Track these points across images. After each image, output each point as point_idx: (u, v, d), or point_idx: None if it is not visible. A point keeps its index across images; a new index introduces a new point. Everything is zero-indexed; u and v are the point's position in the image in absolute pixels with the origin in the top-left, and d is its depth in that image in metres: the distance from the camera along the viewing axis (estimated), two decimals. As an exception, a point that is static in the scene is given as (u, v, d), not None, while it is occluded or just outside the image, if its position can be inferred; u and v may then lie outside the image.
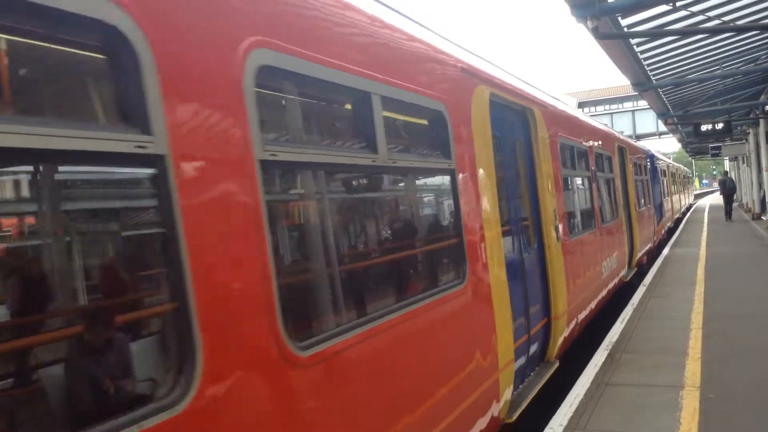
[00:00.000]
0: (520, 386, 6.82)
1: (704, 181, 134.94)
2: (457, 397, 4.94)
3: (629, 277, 14.49)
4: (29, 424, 2.55)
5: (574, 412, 6.64)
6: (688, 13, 12.38)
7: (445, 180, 5.38)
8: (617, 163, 14.50)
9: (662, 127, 43.14)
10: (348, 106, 4.41)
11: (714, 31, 13.96)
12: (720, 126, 23.15)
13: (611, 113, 55.81)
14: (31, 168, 2.62)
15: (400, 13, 5.14)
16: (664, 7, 11.73)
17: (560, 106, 10.17)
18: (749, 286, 12.78)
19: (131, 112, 2.54)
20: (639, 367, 8.04)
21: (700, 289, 12.96)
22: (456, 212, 5.31)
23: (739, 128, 32.75)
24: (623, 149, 15.79)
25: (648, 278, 15.15)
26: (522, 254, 7.22)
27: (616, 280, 12.80)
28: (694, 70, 19.08)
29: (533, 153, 7.93)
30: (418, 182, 5.66)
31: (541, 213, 7.85)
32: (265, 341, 2.99)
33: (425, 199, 5.86)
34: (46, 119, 2.42)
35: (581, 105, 57.74)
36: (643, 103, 40.69)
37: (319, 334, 3.51)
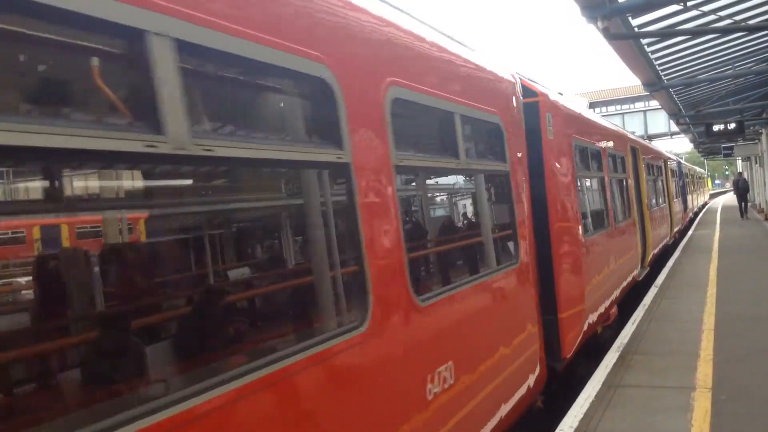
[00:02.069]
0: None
1: (717, 182, 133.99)
2: (630, 263, 12.68)
3: (671, 243, 22.25)
4: None
5: (584, 414, 6.62)
6: (699, 12, 12.32)
7: (626, 183, 13.32)
8: (663, 170, 22.26)
9: (674, 128, 42.91)
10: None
11: (725, 31, 13.89)
12: (732, 126, 22.99)
13: (623, 113, 55.52)
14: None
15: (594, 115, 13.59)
16: (674, 7, 11.68)
17: (645, 144, 20.19)
18: (762, 287, 12.70)
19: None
20: (650, 368, 8.01)
21: (712, 290, 12.90)
22: (626, 195, 13.28)
23: (751, 128, 32.48)
24: (666, 161, 23.88)
25: (660, 279, 15.10)
26: (637, 213, 14.34)
27: (665, 241, 20.45)
28: (705, 69, 18.98)
29: (638, 168, 15.35)
30: (621, 186, 13.10)
31: (641, 196, 15.31)
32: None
33: (618, 191, 12.68)
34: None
35: (592, 105, 57.46)
36: (654, 104, 40.41)
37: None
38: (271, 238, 6.22)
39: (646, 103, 53.67)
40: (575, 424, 6.35)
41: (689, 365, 7.90)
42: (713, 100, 24.47)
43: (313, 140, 3.61)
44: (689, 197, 39.55)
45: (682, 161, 40.24)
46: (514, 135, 6.58)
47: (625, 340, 9.44)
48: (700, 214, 42.56)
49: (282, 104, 3.83)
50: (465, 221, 7.53)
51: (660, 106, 28.31)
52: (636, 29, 12.60)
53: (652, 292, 13.44)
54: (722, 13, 12.58)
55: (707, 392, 6.87)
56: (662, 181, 21.50)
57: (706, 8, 12.30)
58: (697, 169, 58.36)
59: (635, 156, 15.55)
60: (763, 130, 32.83)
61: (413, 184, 6.74)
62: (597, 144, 10.89)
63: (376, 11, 4.22)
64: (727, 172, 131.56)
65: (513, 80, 7.03)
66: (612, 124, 14.90)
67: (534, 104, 7.77)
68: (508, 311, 6.14)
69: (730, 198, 66.55)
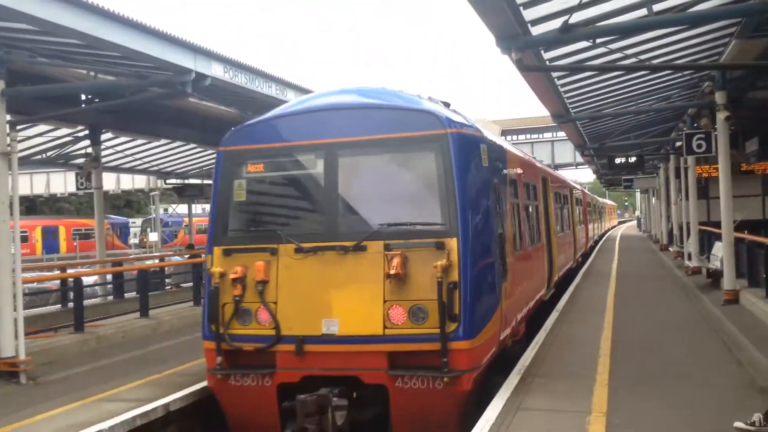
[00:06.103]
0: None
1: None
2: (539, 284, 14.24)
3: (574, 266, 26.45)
4: None
5: (485, 436, 6.68)
6: (607, 50, 12.84)
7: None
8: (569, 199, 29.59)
9: (579, 158, 44.59)
10: None
11: (630, 69, 14.55)
12: (633, 159, 24.12)
13: (532, 143, 57.30)
14: None
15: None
16: (584, 43, 12.12)
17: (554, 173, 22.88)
18: (656, 313, 13.30)
19: None
20: (550, 391, 8.18)
21: (609, 316, 13.39)
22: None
23: (650, 162, 34.22)
24: (572, 190, 28.28)
25: (561, 303, 15.56)
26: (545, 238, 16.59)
27: (569, 264, 24.34)
28: (610, 104, 19.81)
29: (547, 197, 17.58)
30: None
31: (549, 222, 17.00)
32: None
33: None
34: None
35: (504, 133, 58.94)
36: (562, 135, 41.90)
37: None
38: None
39: (554, 133, 55.52)
40: (476, 447, 6.39)
41: (587, 389, 8.12)
42: (616, 134, 25.52)
43: None
44: (607, 219, 58.06)
45: (609, 202, 61.47)
46: None
47: (527, 363, 9.63)
48: (598, 245, 44.52)
49: None
50: None
51: (567, 137, 29.36)
52: (548, 62, 13.02)
53: (554, 316, 13.82)
54: (628, 52, 13.16)
55: (602, 417, 7.06)
56: (568, 209, 22.76)
57: (613, 46, 12.82)
58: (613, 203, 76.34)
59: (545, 185, 16.28)
60: (662, 165, 34.61)
61: None
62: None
63: None
64: (626, 203, 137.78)
65: None
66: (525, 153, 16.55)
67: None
68: None
69: (628, 228, 73.07)
